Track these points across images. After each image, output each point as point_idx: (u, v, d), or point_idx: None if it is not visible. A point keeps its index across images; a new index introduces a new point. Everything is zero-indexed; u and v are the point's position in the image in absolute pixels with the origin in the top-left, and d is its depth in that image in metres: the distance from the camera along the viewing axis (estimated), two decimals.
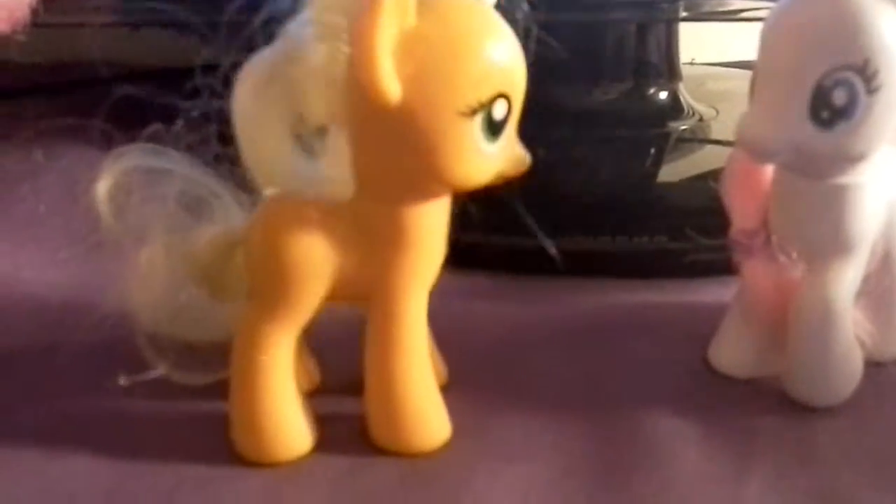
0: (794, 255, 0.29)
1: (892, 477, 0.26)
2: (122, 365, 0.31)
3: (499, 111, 0.24)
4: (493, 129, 0.24)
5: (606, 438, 0.28)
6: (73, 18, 0.42)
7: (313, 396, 0.29)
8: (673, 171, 0.45)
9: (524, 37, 0.26)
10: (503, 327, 0.35)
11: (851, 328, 0.28)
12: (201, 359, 0.28)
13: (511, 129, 0.25)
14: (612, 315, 0.36)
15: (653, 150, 0.44)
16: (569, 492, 0.26)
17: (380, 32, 0.22)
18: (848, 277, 0.28)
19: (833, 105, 0.25)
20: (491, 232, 0.38)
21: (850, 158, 0.26)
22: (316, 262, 0.26)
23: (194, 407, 0.29)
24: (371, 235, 0.26)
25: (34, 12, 0.31)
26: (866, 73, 0.25)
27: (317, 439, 0.28)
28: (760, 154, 0.27)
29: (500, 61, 0.24)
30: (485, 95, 0.24)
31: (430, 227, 0.26)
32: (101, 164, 0.28)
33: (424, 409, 0.27)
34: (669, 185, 0.45)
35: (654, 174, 0.44)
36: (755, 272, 0.30)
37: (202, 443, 0.28)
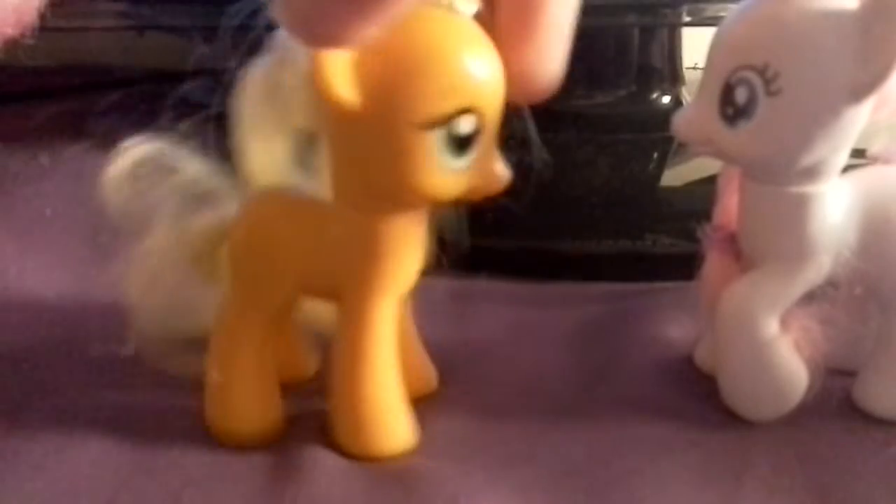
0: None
1: (890, 474, 0.27)
2: (126, 362, 0.32)
3: (464, 126, 0.23)
4: (459, 144, 0.24)
5: (605, 440, 0.28)
6: (79, 22, 0.42)
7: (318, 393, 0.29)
8: (676, 175, 0.45)
9: None
10: (503, 330, 0.35)
11: (773, 339, 0.27)
12: (194, 350, 0.29)
13: (486, 145, 0.24)
14: (612, 318, 0.36)
15: (656, 154, 0.44)
16: (568, 491, 0.26)
17: None
18: (775, 286, 0.28)
19: (735, 102, 0.26)
20: (493, 235, 0.38)
21: (757, 160, 0.27)
22: (286, 258, 0.27)
23: (199, 403, 0.29)
24: (343, 241, 0.26)
25: (41, 16, 0.31)
26: (766, 75, 0.25)
27: (284, 420, 0.28)
28: (683, 140, 0.28)
29: (466, 76, 0.23)
30: (444, 110, 0.23)
31: (401, 238, 0.26)
32: (114, 152, 0.28)
33: (385, 416, 0.27)
34: (672, 189, 0.45)
35: (657, 178, 0.45)
36: (709, 265, 0.30)
37: (208, 441, 0.28)
